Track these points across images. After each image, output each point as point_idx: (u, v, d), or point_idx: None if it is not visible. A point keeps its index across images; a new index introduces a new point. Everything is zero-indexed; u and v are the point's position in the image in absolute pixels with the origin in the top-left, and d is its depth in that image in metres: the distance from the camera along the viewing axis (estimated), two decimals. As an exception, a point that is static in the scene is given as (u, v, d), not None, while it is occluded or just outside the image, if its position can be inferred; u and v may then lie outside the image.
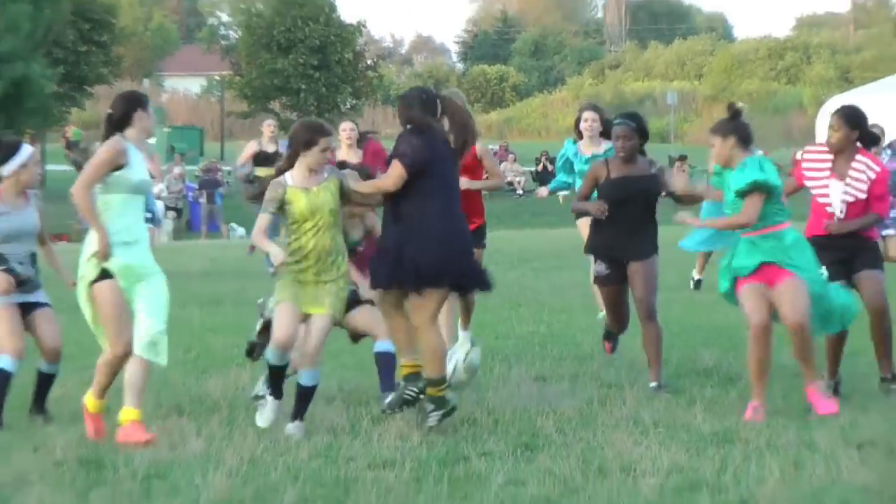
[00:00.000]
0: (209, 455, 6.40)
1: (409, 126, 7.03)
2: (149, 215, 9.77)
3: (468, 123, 7.36)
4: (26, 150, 7.95)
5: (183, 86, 69.84)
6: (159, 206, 23.62)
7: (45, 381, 7.69)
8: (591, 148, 10.22)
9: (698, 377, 8.76)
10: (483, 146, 8.69)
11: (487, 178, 8.91)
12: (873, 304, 7.82)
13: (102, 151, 7.00)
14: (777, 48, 69.87)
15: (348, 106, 48.43)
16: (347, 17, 54.91)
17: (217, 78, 59.98)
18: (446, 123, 7.27)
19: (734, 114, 7.49)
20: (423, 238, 6.83)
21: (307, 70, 46.78)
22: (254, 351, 7.73)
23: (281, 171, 7.07)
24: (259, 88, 47.58)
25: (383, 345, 7.49)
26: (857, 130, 7.94)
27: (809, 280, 7.21)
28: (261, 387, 7.26)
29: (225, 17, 77.79)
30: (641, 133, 8.30)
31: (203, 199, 33.13)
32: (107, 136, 7.03)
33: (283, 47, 47.11)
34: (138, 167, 7.01)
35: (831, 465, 6.04)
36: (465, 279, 7.11)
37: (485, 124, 55.63)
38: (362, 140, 11.24)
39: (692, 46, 73.38)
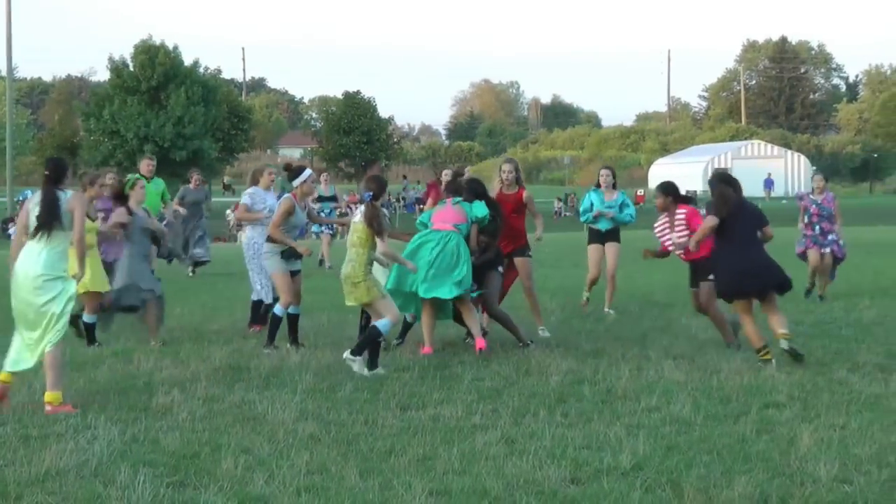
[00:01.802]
0: (303, 364, 10.34)
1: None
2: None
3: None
4: (307, 171, 11.39)
5: (289, 153, 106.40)
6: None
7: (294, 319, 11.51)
8: (609, 194, 14.53)
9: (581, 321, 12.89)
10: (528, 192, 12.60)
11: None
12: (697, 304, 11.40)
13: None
14: (626, 131, 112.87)
15: (384, 165, 78.04)
16: (383, 113, 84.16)
17: (309, 148, 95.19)
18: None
19: (457, 176, 11.89)
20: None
21: (360, 145, 78.48)
22: None
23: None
24: (333, 155, 79.58)
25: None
26: (671, 196, 11.40)
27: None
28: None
29: (314, 114, 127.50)
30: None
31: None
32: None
33: (346, 131, 78.66)
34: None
35: (659, 369, 9.87)
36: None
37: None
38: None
39: (578, 131, 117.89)
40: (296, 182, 11.40)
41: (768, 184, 72.23)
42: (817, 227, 15.96)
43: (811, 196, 16.22)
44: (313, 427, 7.77)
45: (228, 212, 49.72)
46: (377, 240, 10.05)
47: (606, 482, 6.30)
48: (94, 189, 12.11)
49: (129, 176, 13.06)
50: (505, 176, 12.42)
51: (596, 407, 8.46)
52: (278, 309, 11.51)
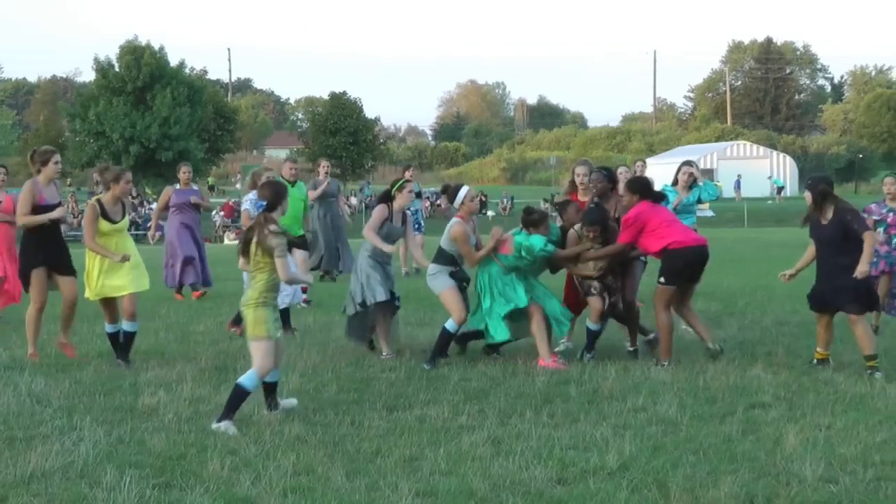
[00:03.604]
0: (289, 365, 10.15)
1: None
2: None
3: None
4: (465, 189, 10.82)
5: (275, 154, 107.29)
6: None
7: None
8: (685, 193, 12.80)
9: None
10: None
11: None
12: None
13: None
14: (612, 132, 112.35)
15: (369, 166, 78.94)
16: (369, 113, 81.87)
17: (295, 149, 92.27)
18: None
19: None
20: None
21: (346, 145, 75.93)
22: None
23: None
24: (319, 155, 73.74)
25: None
26: (638, 194, 10.61)
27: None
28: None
29: (300, 115, 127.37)
30: (611, 180, 11.18)
31: None
32: None
33: (332, 132, 76.22)
34: None
35: (644, 371, 9.93)
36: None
37: (447, 177, 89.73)
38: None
39: (564, 131, 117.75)
40: (457, 203, 10.74)
41: (737, 185, 72.65)
42: (895, 241, 12.61)
43: (885, 204, 12.75)
44: (300, 428, 7.76)
45: (214, 213, 49.99)
46: (277, 263, 7.92)
47: (593, 482, 6.31)
48: (119, 186, 10.47)
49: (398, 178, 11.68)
50: (580, 180, 11.48)
51: (582, 407, 8.46)
52: (451, 324, 10.62)
